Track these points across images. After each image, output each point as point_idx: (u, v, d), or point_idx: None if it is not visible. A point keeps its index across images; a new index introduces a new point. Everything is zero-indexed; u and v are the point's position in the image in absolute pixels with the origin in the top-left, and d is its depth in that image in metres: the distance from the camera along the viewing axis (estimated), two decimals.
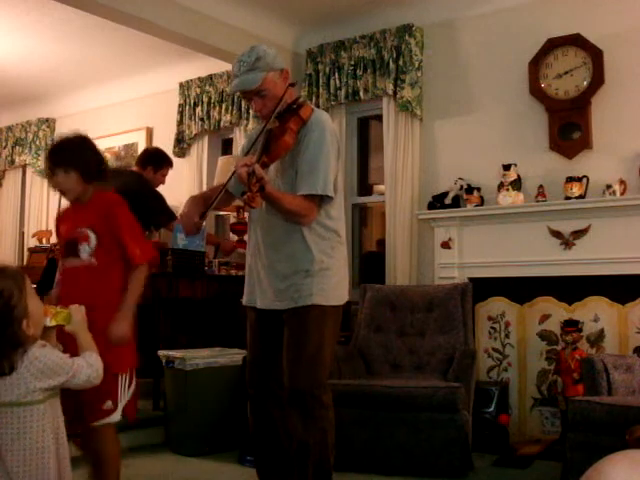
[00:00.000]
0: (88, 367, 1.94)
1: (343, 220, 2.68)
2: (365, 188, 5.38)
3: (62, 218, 2.74)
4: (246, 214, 3.71)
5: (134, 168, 5.01)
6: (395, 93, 4.77)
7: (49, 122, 7.11)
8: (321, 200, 2.52)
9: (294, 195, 2.49)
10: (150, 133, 6.35)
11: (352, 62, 4.99)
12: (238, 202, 3.00)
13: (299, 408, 2.50)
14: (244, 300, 2.71)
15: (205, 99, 5.82)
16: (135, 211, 4.76)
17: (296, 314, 2.52)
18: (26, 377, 1.83)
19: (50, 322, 1.97)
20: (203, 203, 2.61)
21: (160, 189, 6.16)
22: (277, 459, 2.66)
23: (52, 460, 1.86)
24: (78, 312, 2.05)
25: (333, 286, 2.56)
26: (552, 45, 4.29)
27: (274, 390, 2.63)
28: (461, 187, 4.51)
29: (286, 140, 2.46)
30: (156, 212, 4.63)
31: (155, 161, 4.86)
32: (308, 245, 2.52)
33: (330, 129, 2.56)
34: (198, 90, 5.88)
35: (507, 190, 4.28)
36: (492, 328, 4.35)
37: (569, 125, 4.27)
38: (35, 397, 1.85)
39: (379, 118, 5.01)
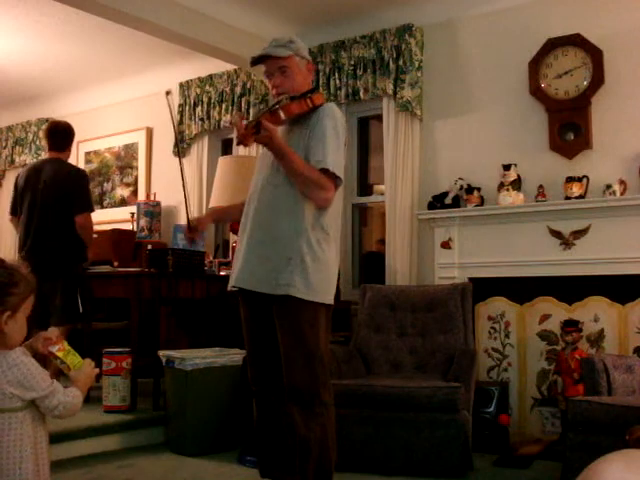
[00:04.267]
0: (64, 395, 1.88)
1: (338, 219, 2.67)
2: (365, 188, 5.38)
3: None
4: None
5: (54, 154, 4.42)
6: (395, 93, 4.77)
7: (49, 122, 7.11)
8: (336, 185, 2.55)
9: (306, 162, 2.52)
10: (150, 133, 6.36)
11: (352, 62, 4.99)
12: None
13: (299, 405, 2.51)
14: (229, 285, 2.69)
15: (205, 99, 5.82)
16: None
17: (287, 310, 2.51)
18: (1, 382, 1.80)
19: (57, 352, 1.94)
20: (216, 217, 3.04)
21: (159, 187, 6.19)
22: (280, 455, 2.67)
23: (30, 471, 1.83)
24: (89, 367, 2.02)
25: (317, 282, 2.52)
26: (552, 45, 4.29)
27: (276, 385, 2.63)
28: (461, 187, 4.51)
29: (292, 106, 2.51)
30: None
31: (72, 136, 4.55)
32: (297, 233, 2.51)
33: (341, 120, 2.63)
34: (198, 90, 5.88)
35: (507, 190, 4.28)
36: (492, 328, 4.35)
37: (569, 125, 4.27)
38: (13, 404, 1.82)
39: (379, 118, 5.01)
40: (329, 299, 2.58)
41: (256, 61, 2.66)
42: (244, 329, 2.72)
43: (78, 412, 1.94)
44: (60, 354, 1.95)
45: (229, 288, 2.69)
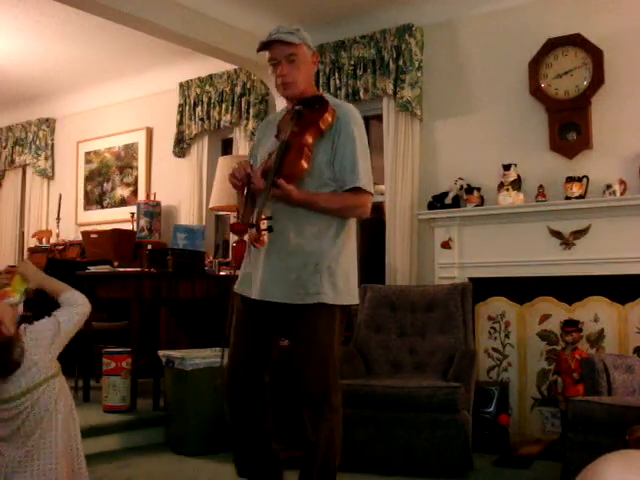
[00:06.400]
0: (68, 307, 1.95)
1: (354, 220, 2.65)
2: None
3: None
4: None
5: None
6: (395, 93, 4.77)
7: (49, 122, 7.11)
8: (370, 192, 2.54)
9: (332, 193, 2.49)
10: (150, 133, 6.35)
11: (352, 62, 4.99)
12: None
13: (310, 410, 2.48)
14: (236, 287, 2.59)
15: (205, 99, 5.82)
16: None
17: (305, 315, 2.45)
18: (35, 359, 1.87)
19: (15, 297, 1.93)
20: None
21: (159, 187, 6.19)
22: (258, 455, 2.58)
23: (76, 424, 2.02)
24: (26, 266, 2.01)
25: (343, 284, 2.51)
26: (552, 45, 4.29)
27: (257, 385, 2.54)
28: (461, 187, 4.51)
29: (302, 166, 2.41)
30: None
31: None
32: (320, 238, 2.48)
33: (360, 120, 2.60)
34: (198, 90, 5.88)
35: (507, 190, 4.29)
36: (492, 328, 4.35)
37: (569, 125, 4.27)
38: (49, 372, 1.91)
39: (379, 118, 5.02)
40: (355, 298, 2.61)
41: (263, 46, 2.55)
42: (236, 329, 2.58)
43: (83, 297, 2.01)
44: (17, 296, 1.94)
45: (235, 290, 2.61)
